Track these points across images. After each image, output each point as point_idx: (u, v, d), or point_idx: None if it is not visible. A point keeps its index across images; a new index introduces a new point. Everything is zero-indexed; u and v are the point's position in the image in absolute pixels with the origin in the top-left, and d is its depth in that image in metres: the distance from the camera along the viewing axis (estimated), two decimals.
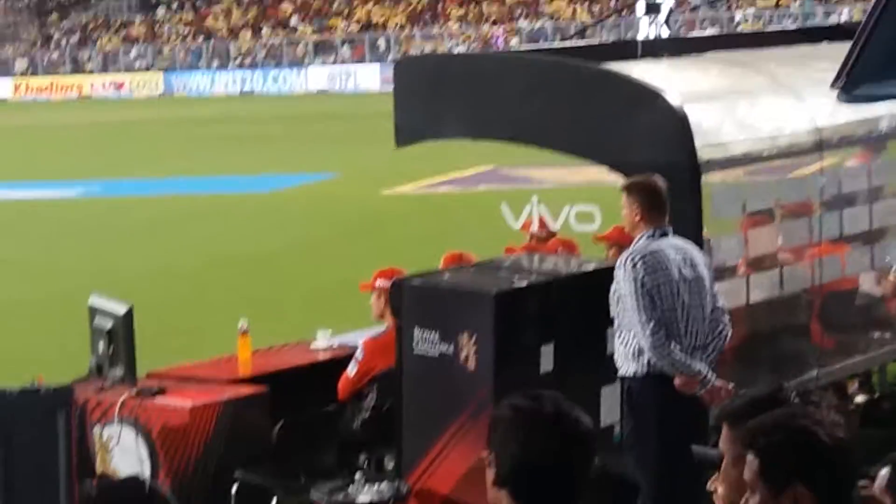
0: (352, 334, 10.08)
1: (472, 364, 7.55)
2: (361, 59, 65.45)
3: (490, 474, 3.46)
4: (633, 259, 7.47)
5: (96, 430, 8.67)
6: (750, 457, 3.33)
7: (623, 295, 7.47)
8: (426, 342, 7.70)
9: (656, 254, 7.51)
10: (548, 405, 3.42)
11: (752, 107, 9.10)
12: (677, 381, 7.45)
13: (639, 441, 7.49)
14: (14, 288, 18.18)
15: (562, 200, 11.88)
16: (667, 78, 8.72)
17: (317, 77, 64.46)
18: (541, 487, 3.39)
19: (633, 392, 7.56)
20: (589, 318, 7.96)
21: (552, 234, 11.15)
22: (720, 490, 3.85)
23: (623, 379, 7.61)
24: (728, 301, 8.14)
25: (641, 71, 8.74)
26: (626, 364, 7.56)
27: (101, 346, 8.91)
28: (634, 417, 7.56)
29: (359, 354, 8.78)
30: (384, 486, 7.70)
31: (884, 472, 4.30)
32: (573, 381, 7.40)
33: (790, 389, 4.09)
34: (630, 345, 7.51)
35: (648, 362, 7.46)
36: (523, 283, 7.94)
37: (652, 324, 7.39)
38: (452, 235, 14.90)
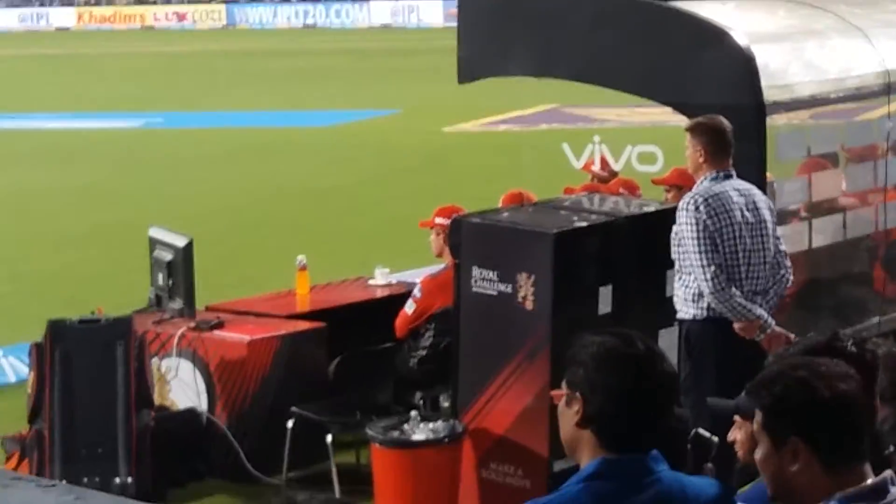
0: (410, 272, 10.08)
1: (530, 304, 7.51)
2: None
3: (572, 413, 3.40)
4: (695, 201, 7.40)
5: (155, 361, 8.72)
6: (756, 409, 3.30)
7: (684, 237, 7.40)
8: (484, 281, 7.67)
9: (719, 196, 7.43)
10: (640, 345, 3.38)
11: (820, 48, 8.98)
12: (737, 326, 7.40)
13: (696, 385, 7.44)
14: (76, 217, 18.30)
15: (624, 141, 11.79)
16: (734, 18, 8.60)
17: (379, 11, 64.26)
18: (629, 427, 3.35)
19: (692, 335, 7.51)
20: (648, 259, 7.90)
21: (614, 175, 11.07)
22: (739, 438, 3.87)
23: (682, 322, 7.56)
24: (790, 245, 8.06)
25: (708, 10, 8.62)
26: (686, 307, 7.50)
27: (161, 277, 8.96)
28: (693, 361, 7.51)
29: (417, 292, 8.76)
30: (439, 424, 7.69)
31: None
32: (631, 322, 7.30)
33: (846, 337, 4.03)
34: (690, 288, 7.45)
35: (708, 306, 7.41)
36: (583, 224, 7.88)
37: (713, 267, 7.33)
38: (513, 173, 14.80)
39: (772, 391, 3.28)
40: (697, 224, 7.35)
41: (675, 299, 7.58)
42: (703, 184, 7.51)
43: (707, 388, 7.39)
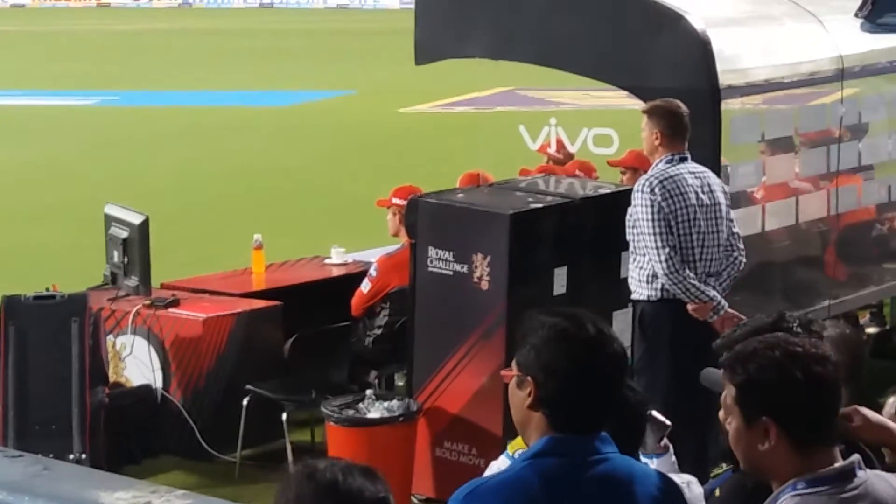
0: (366, 252, 10.10)
1: (485, 284, 7.57)
2: None
3: (522, 396, 3.38)
4: (650, 183, 7.46)
5: (109, 338, 8.72)
6: (728, 384, 3.31)
7: (639, 219, 7.46)
8: (440, 261, 7.71)
9: (674, 179, 7.49)
10: (589, 327, 3.38)
11: (775, 33, 9.05)
12: (690, 307, 7.47)
13: (650, 366, 7.52)
14: (31, 194, 18.21)
15: (580, 123, 11.82)
16: (690, 2, 8.64)
17: None
18: (580, 409, 3.35)
19: (646, 316, 7.57)
20: (603, 241, 7.97)
21: (569, 157, 11.11)
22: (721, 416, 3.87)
23: (636, 303, 7.62)
24: (743, 229, 8.13)
25: None
26: (640, 288, 7.57)
27: (116, 255, 8.94)
28: (646, 342, 7.58)
29: (373, 271, 8.80)
30: (394, 403, 7.73)
31: (892, 400, 4.30)
32: (586, 303, 7.39)
33: (793, 319, 4.06)
34: (644, 269, 7.52)
35: (662, 287, 7.47)
36: (539, 205, 7.94)
37: (667, 249, 7.39)
38: (468, 155, 14.83)
39: (746, 368, 3.27)
40: (652, 206, 7.41)
41: (629, 281, 7.63)
42: (659, 166, 7.56)
43: (660, 369, 7.48)
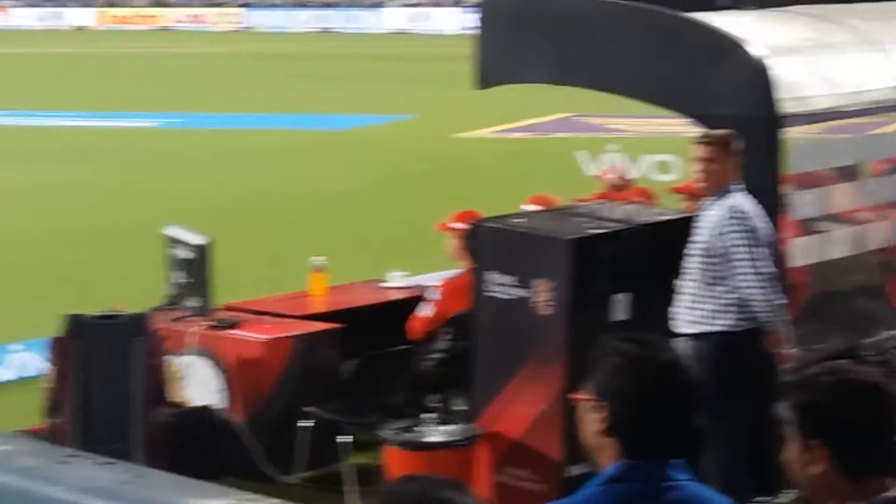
0: (427, 276, 10.13)
1: (546, 309, 7.57)
2: (439, 3, 65.18)
3: (595, 421, 3.39)
4: (742, 211, 7.48)
5: (171, 359, 8.78)
6: (788, 407, 3.33)
7: (731, 247, 7.43)
8: (501, 285, 7.73)
9: (753, 208, 7.54)
10: (665, 353, 3.38)
11: (836, 62, 9.02)
12: (772, 337, 7.46)
13: (724, 396, 7.46)
14: (95, 214, 18.39)
15: (641, 150, 11.84)
16: (750, 29, 8.65)
17: (394, 17, 64.34)
18: (652, 436, 3.36)
19: (723, 347, 7.52)
20: (664, 268, 7.95)
21: (627, 183, 11.12)
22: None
23: (708, 335, 7.56)
24: (806, 257, 8.12)
25: (725, 21, 8.67)
26: (715, 319, 7.50)
27: (178, 276, 9.02)
28: (722, 372, 7.50)
29: (434, 295, 8.82)
30: (454, 427, 7.75)
31: None
32: (645, 331, 7.38)
33: (867, 347, 4.05)
34: (721, 299, 7.47)
35: (747, 316, 7.44)
36: (600, 230, 7.94)
37: (765, 274, 7.39)
38: (526, 180, 14.86)
39: (802, 393, 3.30)
40: (750, 232, 7.42)
41: (692, 313, 7.58)
42: (738, 195, 7.57)
43: (738, 400, 7.43)
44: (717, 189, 7.62)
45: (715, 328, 7.53)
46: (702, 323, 7.56)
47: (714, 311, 7.53)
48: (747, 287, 7.44)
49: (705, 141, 7.67)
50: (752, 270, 7.43)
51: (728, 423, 7.36)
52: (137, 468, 1.41)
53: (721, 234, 7.48)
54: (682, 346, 7.25)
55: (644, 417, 3.34)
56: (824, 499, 3.28)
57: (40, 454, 1.23)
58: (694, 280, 7.58)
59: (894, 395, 3.26)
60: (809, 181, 8.82)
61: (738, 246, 7.46)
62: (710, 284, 7.53)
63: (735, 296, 7.46)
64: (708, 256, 7.52)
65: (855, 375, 3.28)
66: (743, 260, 7.45)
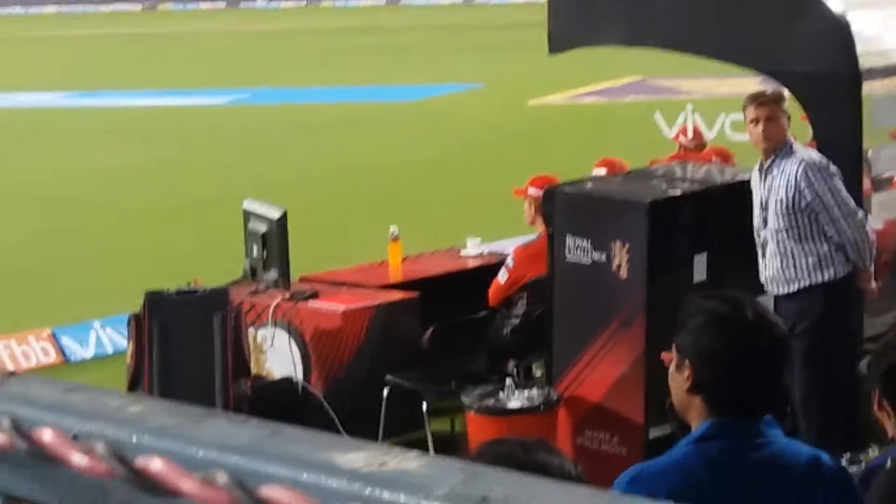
0: (501, 242, 10.11)
1: (624, 272, 7.53)
2: None
3: (682, 379, 3.37)
4: (819, 161, 7.46)
5: (251, 331, 8.82)
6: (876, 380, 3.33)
7: (818, 197, 7.40)
8: (578, 250, 7.69)
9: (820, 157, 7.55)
10: (749, 311, 3.35)
11: None
12: (864, 276, 7.46)
13: (832, 347, 7.43)
14: (168, 192, 18.51)
15: (717, 109, 11.73)
16: None
17: None
18: (740, 394, 3.32)
19: (834, 296, 7.48)
20: (743, 228, 7.88)
21: (703, 145, 11.03)
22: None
23: (815, 287, 7.50)
24: (887, 213, 8.01)
25: None
26: (817, 272, 7.47)
27: (256, 249, 9.04)
28: (833, 322, 7.47)
29: (509, 261, 8.79)
30: (534, 392, 7.73)
31: None
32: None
33: None
34: (814, 254, 7.44)
35: (844, 262, 7.43)
36: (677, 192, 7.87)
37: (855, 216, 7.40)
38: (601, 145, 14.77)
39: (884, 357, 3.28)
40: (831, 180, 7.43)
41: (790, 270, 7.52)
42: (803, 149, 7.60)
43: (831, 353, 7.40)
44: (780, 146, 7.56)
45: (824, 279, 7.48)
46: (805, 278, 7.51)
47: (816, 263, 7.48)
48: (843, 232, 7.40)
49: (765, 100, 7.61)
50: (844, 215, 7.39)
51: (832, 374, 7.32)
52: (272, 424, 1.41)
53: (803, 187, 7.41)
54: (768, 304, 7.20)
55: (729, 375, 3.31)
56: None
57: (174, 413, 1.24)
58: (782, 237, 7.51)
59: None
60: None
61: (827, 195, 7.40)
62: (803, 239, 7.47)
63: (830, 245, 7.42)
64: (795, 211, 7.45)
65: None
66: (834, 207, 7.41)
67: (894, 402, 3.25)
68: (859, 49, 8.02)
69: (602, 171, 9.46)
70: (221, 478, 0.85)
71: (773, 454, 3.30)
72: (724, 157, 10.04)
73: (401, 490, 1.23)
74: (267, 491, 0.84)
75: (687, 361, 3.35)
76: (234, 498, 0.86)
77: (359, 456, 1.31)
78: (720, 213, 7.92)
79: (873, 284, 7.54)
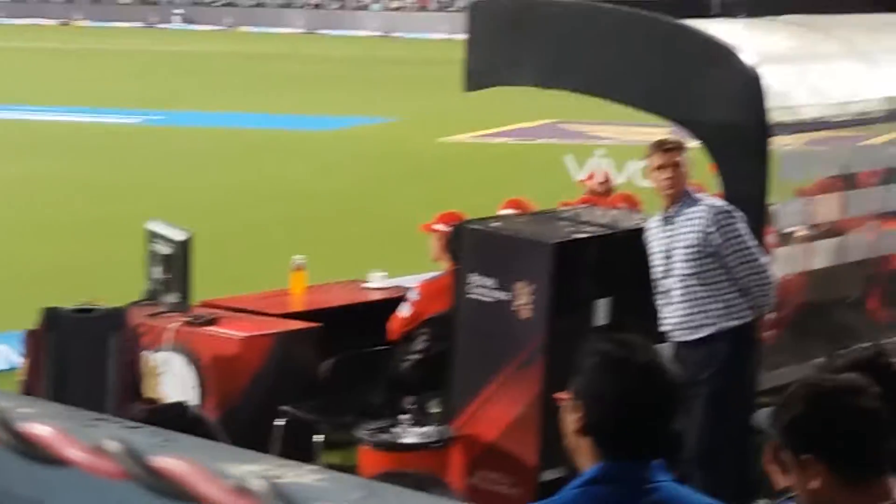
0: (406, 277, 10.08)
1: (526, 312, 7.52)
2: (424, 7, 65.30)
3: (573, 421, 3.38)
4: (727, 207, 7.53)
5: (147, 354, 8.70)
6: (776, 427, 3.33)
7: (726, 241, 7.44)
8: (482, 287, 7.68)
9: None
10: (641, 354, 3.35)
11: (826, 72, 8.99)
12: (762, 325, 7.58)
13: (722, 400, 7.45)
14: (75, 209, 18.29)
15: (625, 156, 11.81)
16: (741, 37, 8.61)
17: (379, 20, 64.42)
18: (628, 437, 3.33)
19: (741, 341, 7.51)
20: (646, 274, 7.90)
21: (611, 189, 11.08)
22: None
23: (724, 333, 7.51)
24: (788, 267, 8.08)
25: (716, 29, 8.63)
26: (731, 314, 7.48)
27: (158, 271, 8.94)
28: (739, 368, 7.50)
29: (413, 296, 8.76)
30: (430, 428, 7.70)
31: None
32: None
33: (890, 352, 4.00)
34: (729, 294, 7.46)
35: (749, 307, 7.46)
36: (583, 235, 7.90)
37: (762, 261, 7.47)
38: (510, 185, 14.81)
39: (785, 410, 3.29)
40: (740, 225, 7.49)
41: (697, 316, 7.53)
42: (707, 197, 7.68)
43: (725, 401, 7.43)
44: (684, 193, 7.60)
45: (730, 325, 7.49)
46: (712, 324, 7.51)
47: (723, 309, 7.49)
48: (750, 278, 7.43)
49: (670, 147, 7.67)
50: (751, 260, 7.44)
51: (729, 424, 7.34)
52: (165, 432, 1.37)
53: (710, 232, 7.44)
54: (667, 351, 7.21)
55: (619, 417, 3.31)
56: None
57: (67, 417, 1.19)
58: (689, 283, 7.51)
59: (876, 396, 3.24)
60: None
61: (735, 240, 7.44)
62: (710, 284, 7.50)
63: (736, 291, 7.44)
64: (702, 257, 7.47)
65: (830, 383, 3.29)
66: (742, 251, 7.45)
67: (793, 456, 3.24)
68: (769, 103, 8.10)
69: (509, 212, 9.47)
70: (112, 445, 0.81)
71: (662, 499, 3.29)
72: (632, 203, 10.09)
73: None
74: (158, 461, 0.80)
75: (579, 402, 3.35)
76: (124, 467, 0.82)
77: (253, 468, 1.28)
78: (625, 259, 7.94)
79: (768, 336, 7.57)
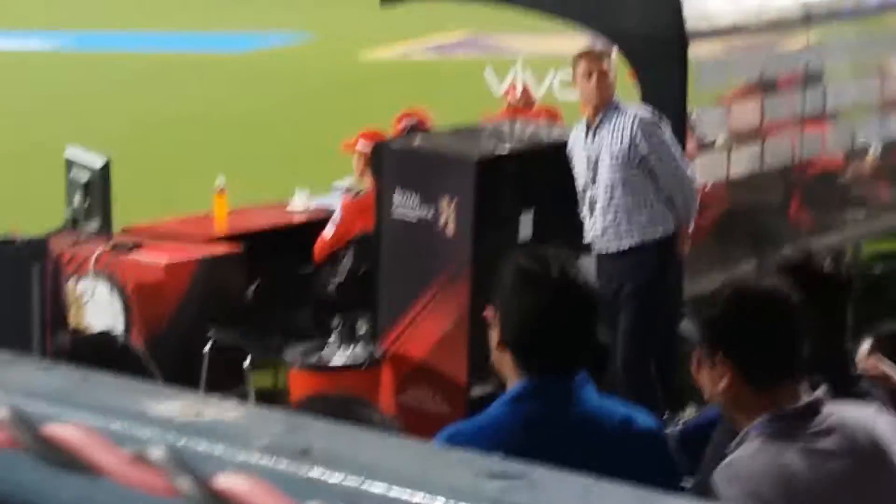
0: (328, 197, 10.04)
1: (451, 229, 7.52)
2: None
3: (494, 335, 3.41)
4: (653, 118, 7.48)
5: (70, 283, 8.64)
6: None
7: (653, 153, 7.40)
8: (406, 206, 7.66)
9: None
10: (554, 267, 3.36)
11: None
12: (684, 234, 7.53)
13: (660, 305, 7.48)
14: None
15: (546, 68, 11.78)
16: None
17: None
18: (543, 350, 3.35)
19: (665, 252, 7.50)
20: (569, 187, 7.92)
21: (532, 103, 11.07)
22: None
23: (650, 244, 7.50)
24: (708, 175, 8.11)
25: None
26: (656, 225, 7.47)
27: (77, 198, 8.84)
28: (661, 279, 7.50)
29: (336, 216, 8.74)
30: (358, 349, 7.70)
31: (866, 346, 4.31)
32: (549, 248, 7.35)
33: (821, 255, 4.04)
34: (655, 206, 7.45)
35: (673, 218, 7.45)
36: (505, 150, 7.89)
37: (686, 173, 7.44)
38: (430, 101, 14.74)
39: (703, 311, 3.35)
40: (666, 137, 7.44)
41: (622, 227, 7.51)
42: (633, 106, 7.61)
43: (653, 307, 7.47)
44: (609, 103, 7.55)
45: (655, 236, 7.48)
46: (637, 234, 7.49)
47: (648, 219, 7.47)
48: (674, 188, 7.42)
49: (597, 55, 7.62)
50: (676, 170, 7.42)
51: (657, 335, 7.38)
52: (83, 371, 1.35)
53: (638, 141, 7.40)
54: (589, 263, 7.24)
55: (535, 332, 3.33)
56: (736, 412, 3.30)
57: None
58: (614, 193, 7.49)
59: (794, 305, 3.28)
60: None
61: (661, 149, 7.41)
62: (635, 194, 7.47)
63: (660, 201, 7.43)
64: (628, 167, 7.44)
65: (752, 288, 3.33)
66: (668, 161, 7.42)
67: (708, 354, 3.29)
68: (686, 12, 8.10)
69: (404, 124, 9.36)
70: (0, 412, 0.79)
71: (585, 413, 3.32)
72: (553, 116, 10.09)
73: (218, 441, 1.17)
74: (50, 429, 0.78)
75: (497, 318, 3.36)
76: (13, 436, 0.79)
77: (173, 405, 1.26)
78: (547, 172, 7.95)
79: (688, 245, 7.59)
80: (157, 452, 0.76)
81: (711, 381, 3.30)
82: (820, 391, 3.29)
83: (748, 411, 3.26)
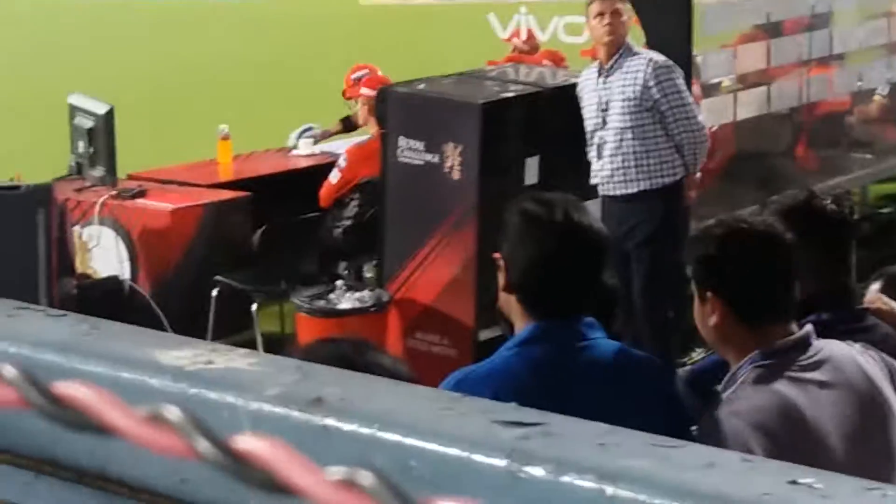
0: (334, 142, 10.01)
1: (456, 173, 7.50)
2: None
3: (501, 279, 3.42)
4: (667, 61, 7.39)
5: (76, 229, 8.63)
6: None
7: (665, 96, 7.31)
8: (411, 151, 7.64)
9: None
10: (558, 211, 3.36)
11: None
12: (691, 181, 7.50)
13: (652, 255, 7.44)
14: None
15: (550, 12, 11.71)
16: None
17: None
18: (550, 295, 3.35)
19: (675, 196, 7.46)
20: (574, 131, 7.88)
21: (536, 47, 11.02)
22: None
23: (661, 189, 7.44)
24: (715, 118, 8.08)
25: None
26: (665, 169, 7.42)
27: (81, 145, 8.82)
28: (675, 223, 7.46)
29: (342, 161, 8.72)
30: (365, 293, 7.70)
31: (874, 286, 4.29)
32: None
33: (824, 194, 4.02)
34: (664, 150, 7.40)
35: (683, 163, 7.41)
36: (510, 94, 7.86)
37: (698, 118, 7.40)
38: (434, 46, 14.70)
39: (694, 247, 3.36)
40: (679, 80, 7.39)
41: (632, 170, 7.46)
42: (645, 50, 7.53)
43: (665, 250, 7.45)
44: (622, 45, 7.48)
45: (664, 181, 7.42)
46: (646, 179, 7.43)
47: (658, 164, 7.41)
48: (685, 134, 7.36)
49: None
50: (688, 115, 7.36)
51: (668, 275, 7.35)
52: (92, 320, 1.34)
53: (650, 86, 7.32)
54: (594, 207, 7.21)
55: (541, 276, 3.33)
56: (727, 349, 3.31)
57: None
58: (625, 137, 7.43)
59: (787, 243, 3.28)
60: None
61: (673, 94, 7.34)
62: (646, 138, 7.39)
63: (672, 146, 7.38)
64: (640, 111, 7.36)
65: (745, 225, 3.34)
66: (679, 107, 7.35)
67: (699, 291, 3.30)
68: None
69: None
70: (8, 371, 0.78)
71: (596, 355, 3.32)
72: (557, 60, 10.04)
73: (229, 390, 1.16)
74: (63, 387, 0.77)
75: (504, 262, 3.36)
76: (23, 395, 0.79)
77: (183, 353, 1.25)
78: (552, 116, 7.91)
79: (695, 192, 7.56)
80: (172, 411, 0.75)
81: (702, 316, 3.32)
82: (809, 327, 3.31)
83: (739, 348, 3.27)
